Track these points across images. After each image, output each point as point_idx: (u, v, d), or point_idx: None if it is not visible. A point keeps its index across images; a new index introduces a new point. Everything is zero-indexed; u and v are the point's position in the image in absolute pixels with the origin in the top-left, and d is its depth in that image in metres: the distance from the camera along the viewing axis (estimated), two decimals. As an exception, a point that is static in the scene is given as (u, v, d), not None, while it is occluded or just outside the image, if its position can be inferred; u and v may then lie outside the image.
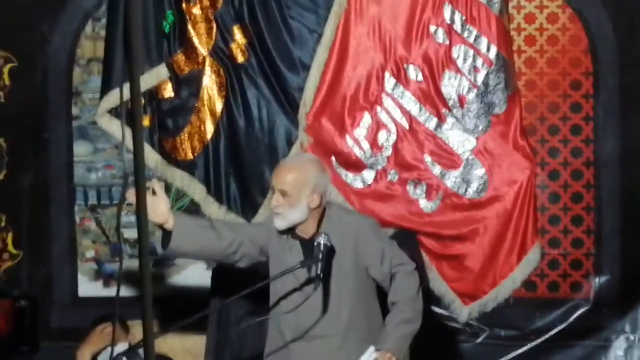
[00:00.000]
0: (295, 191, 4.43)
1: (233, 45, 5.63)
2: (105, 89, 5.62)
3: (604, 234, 5.99)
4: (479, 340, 5.96)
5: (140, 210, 2.54)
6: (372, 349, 4.44)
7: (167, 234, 4.37)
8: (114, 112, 5.65)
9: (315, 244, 4.38)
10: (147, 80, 5.52)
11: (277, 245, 4.54)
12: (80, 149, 6.21)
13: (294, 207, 4.43)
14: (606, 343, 5.96)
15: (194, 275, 6.16)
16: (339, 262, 4.47)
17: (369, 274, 4.55)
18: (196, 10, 5.62)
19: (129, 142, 2.58)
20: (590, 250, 5.99)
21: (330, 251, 4.39)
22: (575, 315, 5.97)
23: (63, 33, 6.12)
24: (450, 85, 5.59)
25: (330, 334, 4.47)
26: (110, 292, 6.22)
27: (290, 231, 4.50)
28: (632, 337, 5.95)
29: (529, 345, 5.94)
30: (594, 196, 6.02)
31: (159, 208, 4.30)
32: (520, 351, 5.95)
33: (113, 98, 5.53)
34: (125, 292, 5.48)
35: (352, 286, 4.52)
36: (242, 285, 4.90)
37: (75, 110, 6.16)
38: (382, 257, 4.50)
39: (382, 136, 5.63)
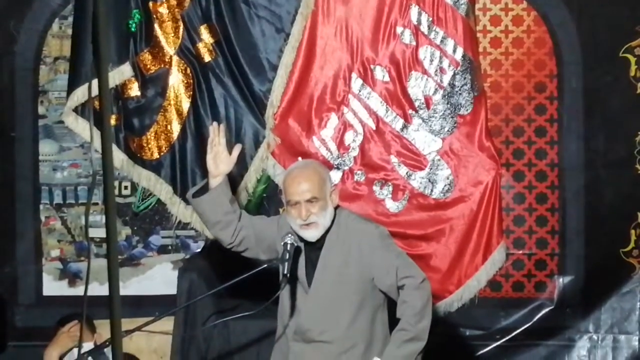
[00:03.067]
0: (322, 194, 4.44)
1: (200, 45, 5.63)
2: (71, 87, 5.60)
3: (568, 235, 6.05)
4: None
5: (109, 209, 2.54)
6: None
7: (204, 188, 4.69)
8: (79, 110, 5.63)
9: (282, 243, 4.38)
10: (111, 78, 5.50)
11: (280, 249, 4.51)
12: (46, 147, 6.18)
13: (326, 210, 4.43)
14: (570, 343, 6.01)
15: (160, 275, 6.15)
16: (341, 269, 4.45)
17: (375, 285, 4.50)
18: (163, 10, 5.61)
19: (95, 141, 2.59)
20: (554, 250, 6.04)
21: (297, 251, 4.41)
22: (539, 315, 6.02)
23: (30, 31, 6.09)
24: (416, 86, 5.61)
25: (327, 339, 4.45)
26: (75, 291, 6.19)
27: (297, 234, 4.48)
28: (595, 337, 6.01)
29: (493, 345, 5.99)
30: (559, 197, 6.07)
31: (225, 157, 4.70)
32: (484, 350, 5.99)
33: (77, 96, 5.51)
34: (92, 291, 5.45)
35: (354, 295, 4.46)
36: (208, 286, 4.91)
37: (41, 109, 6.13)
38: (388, 268, 4.42)
39: (348, 137, 5.65)
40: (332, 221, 4.51)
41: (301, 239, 4.47)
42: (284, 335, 4.55)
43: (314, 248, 4.47)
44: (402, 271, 4.43)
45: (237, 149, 4.79)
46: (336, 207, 4.59)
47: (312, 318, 4.46)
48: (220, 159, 4.68)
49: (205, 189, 4.68)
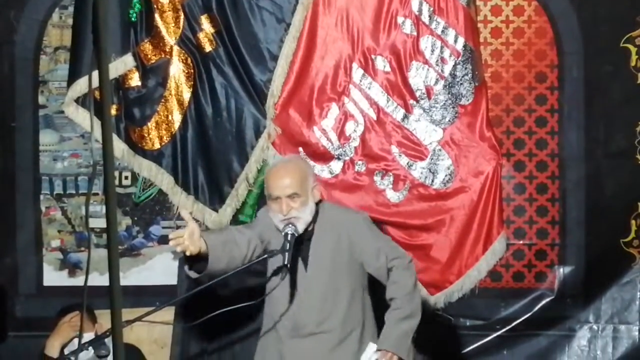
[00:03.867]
0: (303, 190, 4.45)
1: (201, 35, 5.63)
2: (72, 77, 5.60)
3: (568, 225, 6.04)
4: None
5: (110, 199, 2.54)
6: (372, 347, 4.44)
7: (191, 258, 4.23)
8: (80, 101, 5.64)
9: (283, 234, 4.39)
10: (114, 69, 5.51)
11: (274, 242, 4.52)
12: (46, 138, 6.17)
13: (306, 206, 4.44)
14: (570, 333, 6.01)
15: (160, 265, 6.14)
16: (333, 258, 4.48)
17: (363, 270, 4.53)
18: (163, -1, 5.62)
19: (96, 131, 2.58)
20: (555, 240, 6.04)
21: (297, 241, 4.41)
22: (539, 305, 6.01)
23: (30, 21, 6.07)
24: (417, 76, 5.61)
25: (325, 330, 4.47)
26: (76, 281, 6.18)
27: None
28: (595, 327, 6.01)
29: (493, 335, 5.98)
30: (559, 187, 6.07)
31: (196, 237, 4.17)
32: (485, 341, 6.00)
33: (80, 87, 5.52)
34: (92, 281, 5.45)
35: (347, 282, 4.51)
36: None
37: (41, 99, 6.11)
38: (378, 251, 4.50)
39: (349, 127, 5.65)
40: (317, 214, 4.52)
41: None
42: (273, 331, 4.54)
43: (303, 240, 4.48)
44: (390, 253, 4.51)
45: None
46: (319, 202, 4.61)
47: (310, 310, 4.46)
48: (197, 235, 4.25)
49: (195, 260, 4.30)
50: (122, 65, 5.57)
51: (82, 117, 5.68)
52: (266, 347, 4.61)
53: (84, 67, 5.48)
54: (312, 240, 4.54)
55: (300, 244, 4.48)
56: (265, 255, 4.38)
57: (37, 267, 6.21)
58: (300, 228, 4.44)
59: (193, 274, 4.35)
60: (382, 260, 4.48)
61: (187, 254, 4.20)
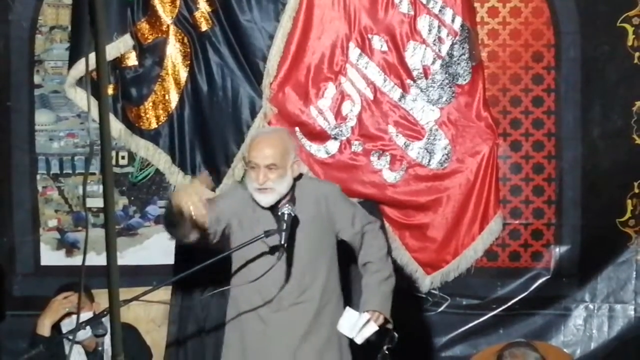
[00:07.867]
0: (283, 162, 4.44)
1: (197, 14, 5.62)
2: (73, 58, 5.60)
3: (564, 205, 6.05)
4: (441, 309, 6.01)
5: (107, 179, 2.54)
6: (354, 313, 4.48)
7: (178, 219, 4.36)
8: (79, 82, 5.64)
9: (280, 213, 4.39)
10: (116, 48, 5.54)
11: (244, 218, 4.53)
12: (42, 117, 6.16)
13: (283, 178, 4.44)
14: (566, 312, 6.03)
15: (157, 245, 6.15)
16: (313, 229, 4.50)
17: (336, 239, 4.59)
18: (160, -22, 5.61)
19: (93, 112, 2.58)
20: (551, 220, 6.05)
21: (294, 220, 4.41)
22: (535, 285, 6.03)
23: (25, 0, 6.06)
24: (415, 56, 5.61)
25: (306, 299, 4.50)
26: (73, 261, 6.19)
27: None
28: (591, 307, 6.03)
29: (489, 314, 6.00)
30: (555, 167, 6.07)
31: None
32: (481, 320, 6.01)
33: (82, 66, 5.52)
34: (89, 261, 5.45)
35: (326, 252, 4.56)
36: (206, 255, 4.90)
37: (37, 79, 6.10)
38: (353, 218, 4.59)
39: (346, 107, 5.65)
40: (294, 187, 4.53)
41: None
42: (250, 311, 4.52)
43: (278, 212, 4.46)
44: (364, 219, 4.63)
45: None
46: (299, 176, 4.62)
47: (293, 281, 4.48)
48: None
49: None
50: (124, 44, 5.58)
51: (80, 98, 5.68)
52: (239, 329, 4.58)
53: (85, 47, 5.48)
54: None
55: (277, 217, 4.45)
56: (262, 236, 4.37)
57: (34, 247, 6.21)
58: (273, 199, 4.44)
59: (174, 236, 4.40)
60: (358, 227, 4.59)
61: (191, 215, 4.28)
